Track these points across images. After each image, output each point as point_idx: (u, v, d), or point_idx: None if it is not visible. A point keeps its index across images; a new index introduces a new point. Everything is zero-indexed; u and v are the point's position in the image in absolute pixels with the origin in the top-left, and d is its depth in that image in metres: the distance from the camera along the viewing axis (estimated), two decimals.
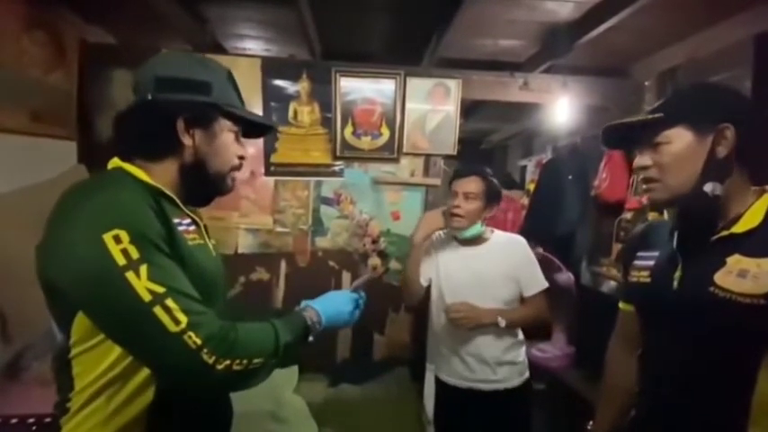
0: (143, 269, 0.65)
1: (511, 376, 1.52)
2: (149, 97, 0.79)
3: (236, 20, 2.08)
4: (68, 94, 1.91)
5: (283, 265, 2.17)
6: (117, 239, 0.65)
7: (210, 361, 0.67)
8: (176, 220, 0.77)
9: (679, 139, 0.82)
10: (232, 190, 0.91)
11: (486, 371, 1.50)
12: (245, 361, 0.70)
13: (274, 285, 2.17)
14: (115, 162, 0.80)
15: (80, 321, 0.69)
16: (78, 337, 0.70)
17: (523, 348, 1.59)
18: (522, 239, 1.59)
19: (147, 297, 0.65)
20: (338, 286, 2.19)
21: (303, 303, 1.00)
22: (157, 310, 0.65)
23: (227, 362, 0.68)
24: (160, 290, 0.66)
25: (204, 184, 0.85)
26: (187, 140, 0.81)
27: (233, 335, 0.70)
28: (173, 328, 0.65)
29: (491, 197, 1.53)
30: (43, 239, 0.70)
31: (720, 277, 0.77)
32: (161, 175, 0.80)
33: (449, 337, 1.54)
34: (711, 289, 0.77)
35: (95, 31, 2.02)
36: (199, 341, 0.66)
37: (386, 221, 2.22)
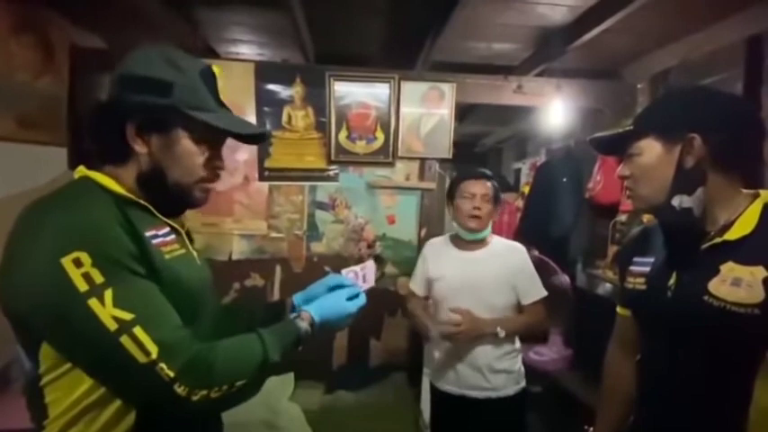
0: (108, 294, 0.60)
1: (505, 384, 1.50)
2: (104, 98, 0.72)
3: (228, 24, 2.07)
4: (58, 99, 1.89)
5: (278, 270, 2.15)
6: (77, 263, 0.59)
7: (184, 393, 0.62)
8: (152, 232, 0.70)
9: (649, 150, 0.83)
10: (203, 203, 0.80)
11: (479, 378, 1.48)
12: (224, 387, 0.66)
13: (269, 291, 2.15)
14: (81, 171, 0.73)
15: (47, 349, 0.64)
16: (47, 365, 0.65)
17: (519, 357, 1.57)
18: (520, 246, 1.58)
19: (112, 326, 0.59)
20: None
21: (296, 300, 0.94)
22: (125, 339, 0.60)
23: (204, 392, 0.64)
24: (127, 317, 0.60)
25: (164, 196, 0.75)
26: (139, 147, 0.72)
27: (210, 360, 0.65)
28: (142, 359, 0.60)
29: (498, 199, 1.57)
30: (1, 264, 0.64)
31: (714, 286, 0.76)
32: (130, 182, 0.73)
33: (443, 343, 1.53)
34: (705, 297, 0.76)
35: (86, 35, 2.00)
36: (171, 373, 0.61)
37: (381, 225, 2.20)
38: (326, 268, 2.17)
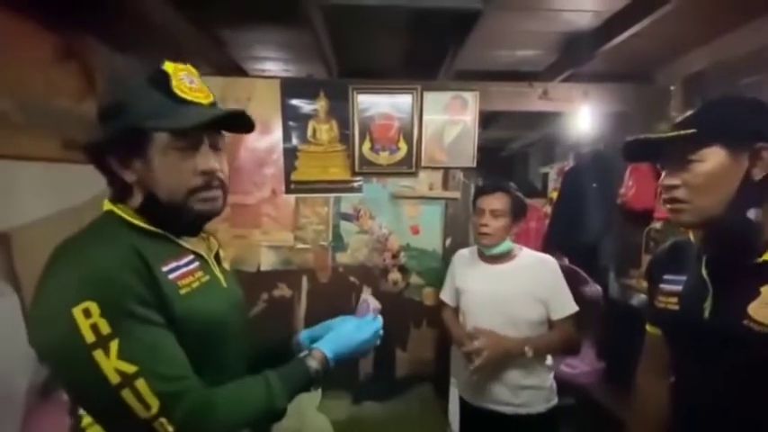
0: (113, 346, 0.61)
1: (534, 401, 1.46)
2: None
3: (255, 43, 2.14)
4: None
5: (305, 281, 2.19)
6: (87, 313, 0.60)
7: None
8: (172, 264, 0.71)
9: (713, 158, 0.76)
10: (214, 212, 0.77)
11: (507, 394, 1.45)
12: None
13: (296, 302, 2.19)
14: (107, 204, 0.75)
15: None
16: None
17: (551, 374, 1.53)
18: (551, 259, 1.53)
19: (115, 379, 0.60)
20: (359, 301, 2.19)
21: (303, 336, 0.93)
22: (126, 393, 0.60)
23: None
24: (131, 370, 0.61)
25: (166, 218, 0.73)
26: (128, 176, 0.72)
27: (212, 411, 0.66)
28: (143, 413, 0.61)
29: (517, 213, 1.51)
30: (33, 295, 0.66)
31: (755, 309, 0.72)
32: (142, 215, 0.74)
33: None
34: (746, 322, 0.72)
35: (124, 60, 2.11)
36: (171, 428, 0.62)
37: (405, 236, 2.21)
38: (351, 278, 2.20)
